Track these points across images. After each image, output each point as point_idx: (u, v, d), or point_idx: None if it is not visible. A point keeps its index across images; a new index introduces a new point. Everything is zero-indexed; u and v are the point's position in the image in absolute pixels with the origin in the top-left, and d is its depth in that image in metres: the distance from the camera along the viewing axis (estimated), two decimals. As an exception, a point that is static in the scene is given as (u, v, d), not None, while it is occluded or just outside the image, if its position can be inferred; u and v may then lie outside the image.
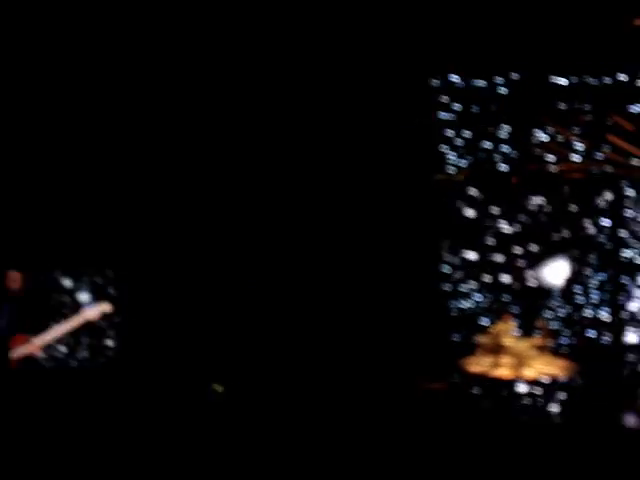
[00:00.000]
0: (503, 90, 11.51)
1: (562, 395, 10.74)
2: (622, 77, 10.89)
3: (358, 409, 10.04)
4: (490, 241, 12.11)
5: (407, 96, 11.58)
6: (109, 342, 11.76)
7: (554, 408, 10.68)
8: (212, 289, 11.67)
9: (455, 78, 11.67)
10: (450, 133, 11.84)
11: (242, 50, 11.29)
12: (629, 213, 11.73)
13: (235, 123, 11.57)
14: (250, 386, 10.80)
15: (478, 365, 11.21)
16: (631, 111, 11.10)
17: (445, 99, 11.86)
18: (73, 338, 11.30)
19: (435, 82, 11.81)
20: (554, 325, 11.95)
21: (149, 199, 11.58)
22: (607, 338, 11.85)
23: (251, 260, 11.75)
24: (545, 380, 10.78)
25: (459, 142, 11.81)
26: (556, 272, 11.93)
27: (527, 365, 11.01)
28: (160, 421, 9.50)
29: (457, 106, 11.80)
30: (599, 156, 11.32)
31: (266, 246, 11.72)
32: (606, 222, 11.77)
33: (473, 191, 11.96)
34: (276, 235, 11.70)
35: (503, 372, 10.98)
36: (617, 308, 11.87)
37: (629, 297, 11.88)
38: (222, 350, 11.42)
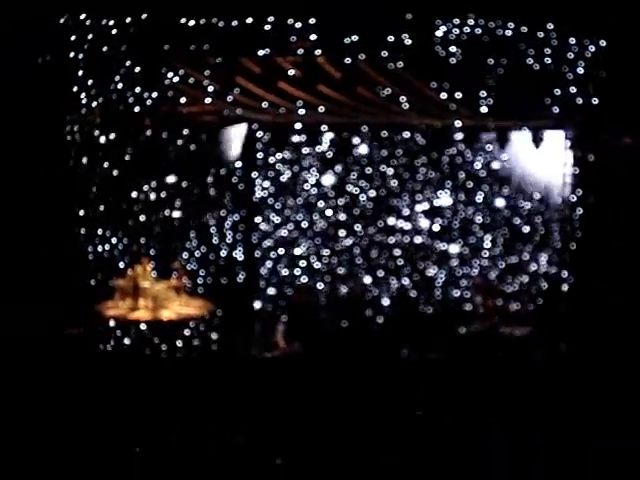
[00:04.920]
0: (132, 30, 11.28)
1: (199, 332, 11.03)
2: (249, 20, 11.06)
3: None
4: (129, 182, 12.00)
5: (33, 35, 11.08)
6: None
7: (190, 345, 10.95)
8: None
9: (84, 17, 11.26)
10: (81, 73, 11.45)
11: None
12: (259, 155, 12.15)
13: None
14: None
15: (116, 309, 11.18)
16: (259, 55, 11.31)
17: (74, 38, 11.43)
18: None
19: (63, 20, 11.34)
20: (190, 266, 12.13)
21: None
22: (241, 276, 12.24)
23: None
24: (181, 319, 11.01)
25: (90, 82, 11.46)
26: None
27: (164, 307, 11.15)
28: None
29: (87, 46, 11.41)
30: (230, 98, 11.49)
31: None
32: (238, 163, 12.07)
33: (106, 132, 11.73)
34: None
35: (141, 315, 11.04)
36: (250, 247, 12.28)
37: (261, 236, 12.35)
38: None
